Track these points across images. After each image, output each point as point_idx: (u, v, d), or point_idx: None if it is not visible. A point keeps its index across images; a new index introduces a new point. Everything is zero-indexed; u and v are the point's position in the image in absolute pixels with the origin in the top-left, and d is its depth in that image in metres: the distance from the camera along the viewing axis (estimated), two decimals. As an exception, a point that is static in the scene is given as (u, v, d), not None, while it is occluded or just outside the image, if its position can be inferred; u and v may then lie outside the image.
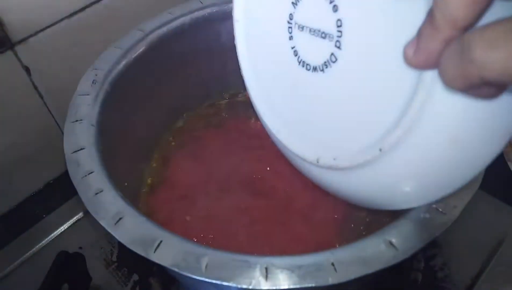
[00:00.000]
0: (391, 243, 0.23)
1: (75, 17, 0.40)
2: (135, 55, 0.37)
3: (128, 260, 0.42)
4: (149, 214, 0.37)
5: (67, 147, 0.29)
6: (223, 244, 0.34)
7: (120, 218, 0.25)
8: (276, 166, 0.39)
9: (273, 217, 0.36)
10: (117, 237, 0.24)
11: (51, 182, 0.47)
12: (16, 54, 0.37)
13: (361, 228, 0.35)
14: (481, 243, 0.40)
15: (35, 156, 0.44)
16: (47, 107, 0.42)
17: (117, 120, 0.35)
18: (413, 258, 0.40)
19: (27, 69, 0.39)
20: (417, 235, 0.23)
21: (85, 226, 0.46)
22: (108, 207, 0.25)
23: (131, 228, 0.24)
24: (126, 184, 0.34)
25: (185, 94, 0.45)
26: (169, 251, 0.23)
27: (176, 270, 0.22)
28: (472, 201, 0.25)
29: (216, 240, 0.35)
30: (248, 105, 0.46)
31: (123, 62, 0.36)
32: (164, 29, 0.38)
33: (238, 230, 0.35)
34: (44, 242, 0.44)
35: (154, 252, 0.23)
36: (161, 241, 0.23)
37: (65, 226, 0.46)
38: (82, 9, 0.40)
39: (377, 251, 0.23)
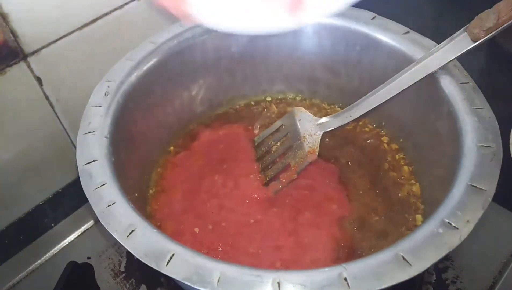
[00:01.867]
0: (404, 259, 0.23)
1: (87, 29, 0.40)
2: (147, 66, 0.37)
3: (136, 271, 0.42)
4: (158, 224, 0.37)
5: (80, 159, 0.29)
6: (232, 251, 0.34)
7: (133, 231, 0.25)
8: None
9: (281, 226, 0.36)
10: (129, 249, 0.24)
11: (60, 191, 0.47)
12: (28, 65, 0.38)
13: (373, 235, 0.35)
14: (494, 255, 0.40)
15: (45, 165, 0.44)
16: (58, 117, 0.43)
17: (129, 131, 0.35)
18: (424, 271, 0.39)
19: (39, 80, 0.39)
20: (430, 250, 0.23)
21: (93, 236, 0.46)
22: (121, 220, 0.26)
23: (143, 240, 0.24)
24: (136, 194, 0.34)
25: (194, 104, 0.45)
26: (181, 264, 0.23)
27: (188, 284, 0.22)
28: (484, 212, 0.25)
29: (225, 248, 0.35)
30: (254, 112, 0.46)
31: (135, 74, 0.36)
32: (175, 41, 0.39)
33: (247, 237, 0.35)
34: (53, 251, 0.45)
35: (166, 265, 0.23)
36: (173, 255, 0.23)
37: (74, 235, 0.46)
38: (94, 20, 0.40)
39: (390, 266, 0.23)
